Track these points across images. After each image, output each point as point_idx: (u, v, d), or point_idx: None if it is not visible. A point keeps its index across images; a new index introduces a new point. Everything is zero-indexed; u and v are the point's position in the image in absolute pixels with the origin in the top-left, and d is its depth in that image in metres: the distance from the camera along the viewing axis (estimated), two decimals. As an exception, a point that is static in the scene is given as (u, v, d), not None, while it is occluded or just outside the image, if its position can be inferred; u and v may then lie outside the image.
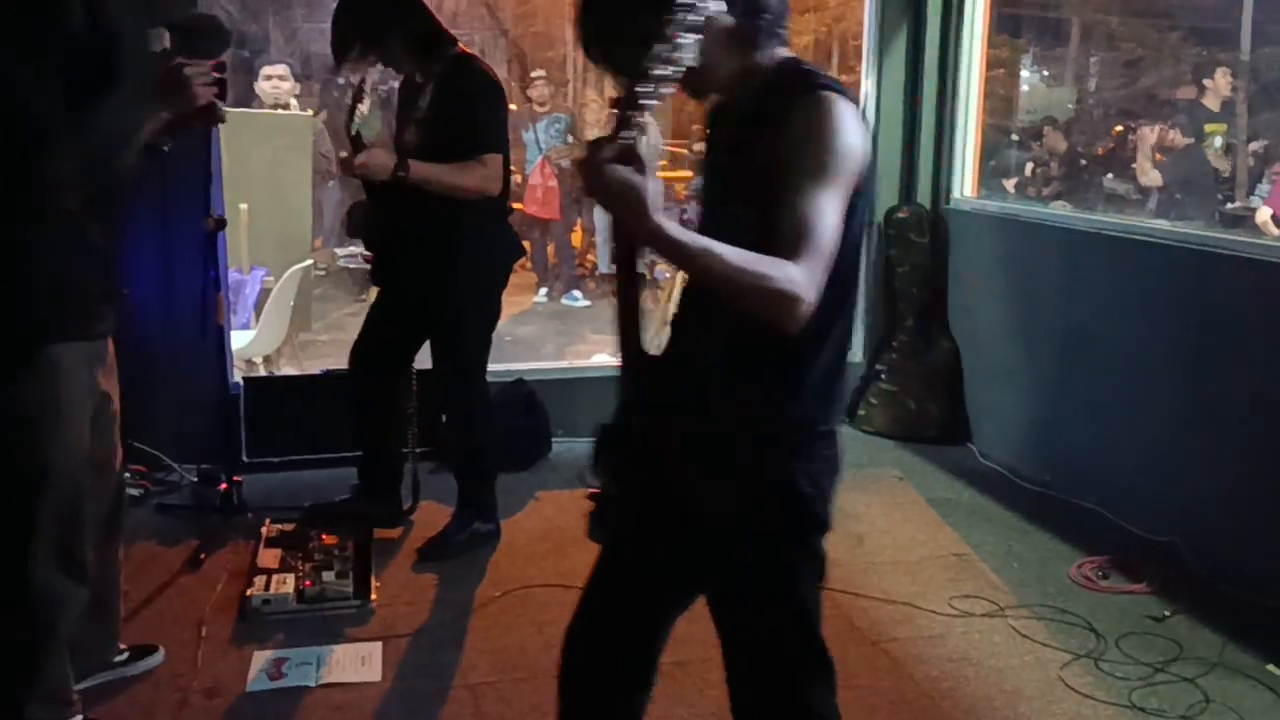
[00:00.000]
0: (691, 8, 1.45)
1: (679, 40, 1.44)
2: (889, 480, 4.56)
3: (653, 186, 1.43)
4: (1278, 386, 3.41)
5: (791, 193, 1.56)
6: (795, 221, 1.54)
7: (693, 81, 1.62)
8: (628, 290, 1.65)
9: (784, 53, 1.73)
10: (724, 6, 1.60)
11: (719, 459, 1.73)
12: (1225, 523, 3.58)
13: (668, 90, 1.45)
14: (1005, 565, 3.76)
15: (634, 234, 1.53)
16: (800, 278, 1.51)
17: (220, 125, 2.64)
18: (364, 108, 3.73)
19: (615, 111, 1.48)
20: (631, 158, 1.44)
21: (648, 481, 1.77)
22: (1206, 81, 7.79)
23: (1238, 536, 3.53)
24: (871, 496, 4.38)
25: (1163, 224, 5.04)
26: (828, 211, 1.56)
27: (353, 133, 3.47)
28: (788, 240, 1.53)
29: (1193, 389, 3.73)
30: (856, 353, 5.34)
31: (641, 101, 1.44)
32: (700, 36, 1.47)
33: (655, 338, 1.76)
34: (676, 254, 1.49)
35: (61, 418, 2.37)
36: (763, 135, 1.64)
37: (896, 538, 3.98)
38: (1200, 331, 3.71)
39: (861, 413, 5.18)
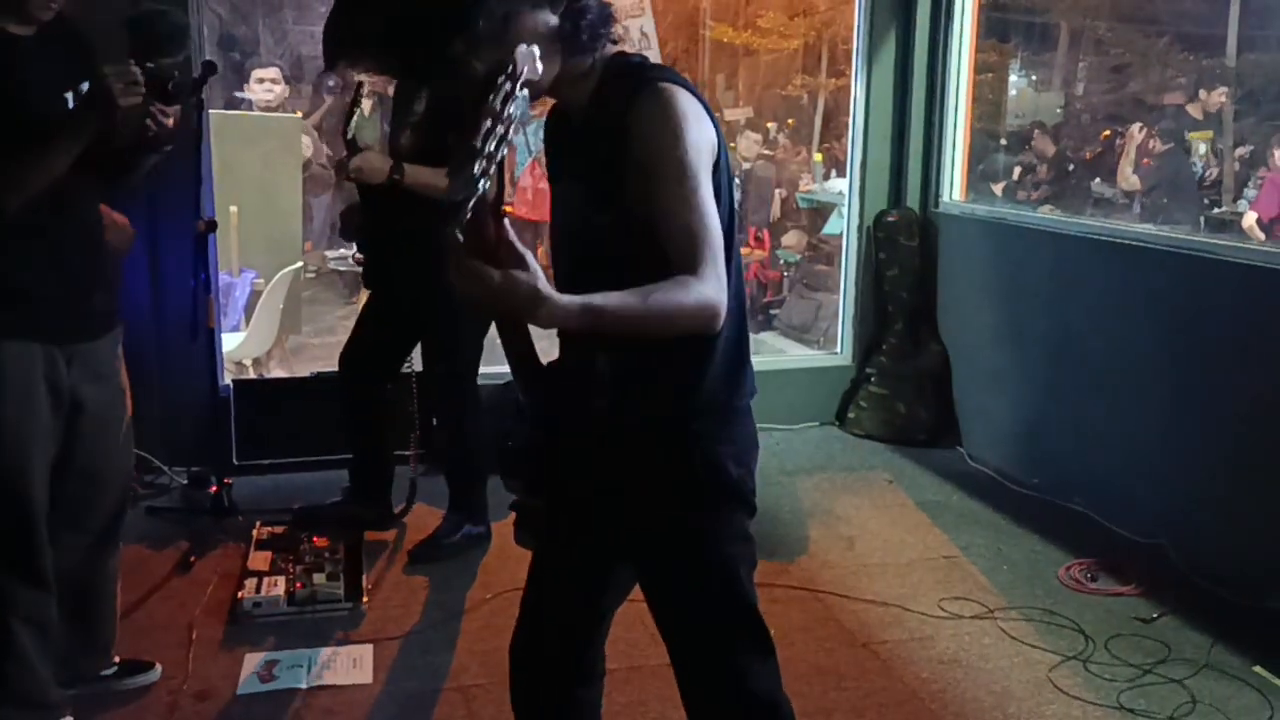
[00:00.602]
0: (501, 85, 1.38)
1: (490, 126, 1.37)
2: (879, 483, 4.57)
3: (530, 271, 1.38)
4: (1264, 388, 3.44)
5: (663, 203, 1.57)
6: (680, 232, 1.55)
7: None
8: (509, 329, 1.66)
9: (611, 49, 1.71)
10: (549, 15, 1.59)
11: (643, 449, 1.75)
12: (1213, 525, 3.61)
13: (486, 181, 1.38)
14: (994, 567, 3.78)
15: (534, 323, 1.48)
16: (707, 289, 1.52)
17: (167, 145, 2.49)
18: (365, 109, 3.75)
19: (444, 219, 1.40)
20: (498, 250, 1.38)
21: (563, 487, 1.80)
22: (1202, 93, 7.85)
23: (1225, 538, 3.56)
24: (861, 499, 4.39)
25: (1149, 228, 5.07)
26: (705, 208, 1.57)
27: (349, 136, 3.47)
28: (680, 253, 1.54)
29: (1180, 392, 3.76)
30: (847, 356, 5.36)
31: (467, 204, 1.37)
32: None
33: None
34: (579, 324, 1.47)
35: (1, 414, 2.35)
36: (605, 139, 1.64)
37: (886, 540, 4.00)
38: (1187, 334, 3.74)
39: (851, 416, 5.20)
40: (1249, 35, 10.57)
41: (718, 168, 1.65)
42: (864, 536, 4.02)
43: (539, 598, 1.94)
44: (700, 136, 1.61)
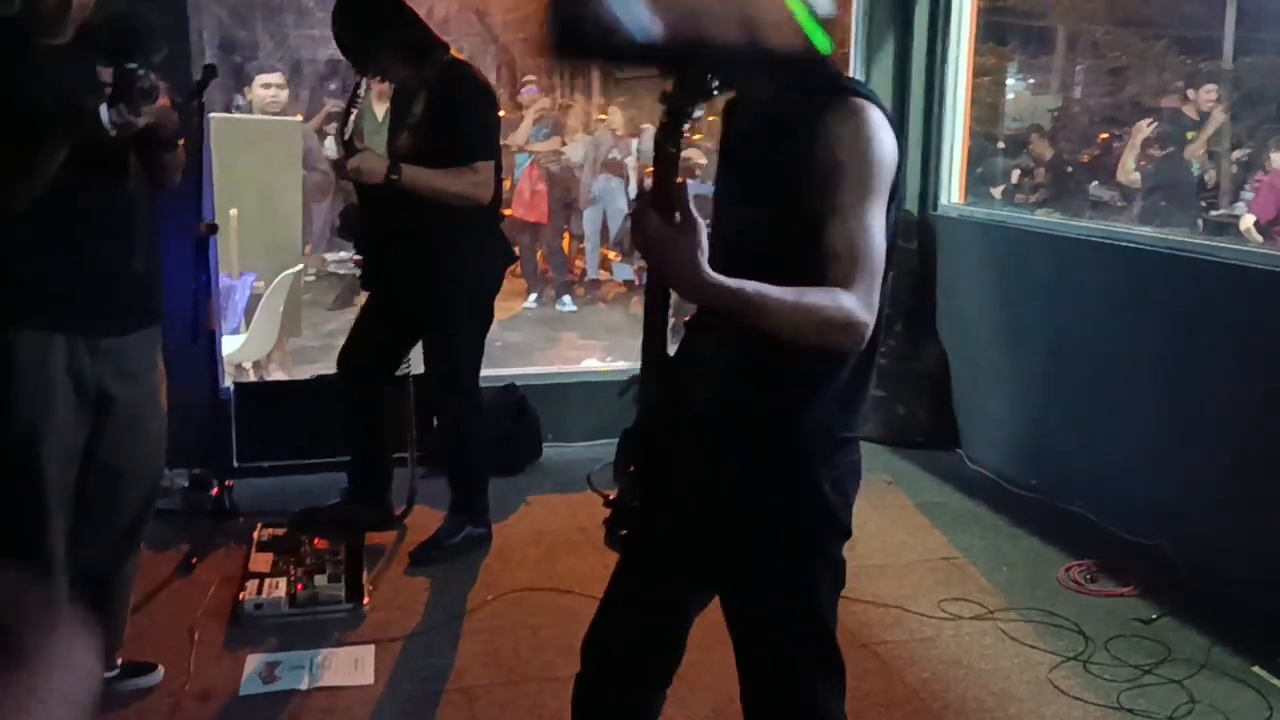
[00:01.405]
0: None
1: None
2: (878, 484, 4.58)
3: (696, 239, 1.42)
4: (1262, 390, 3.45)
5: (838, 213, 1.55)
6: (845, 244, 1.54)
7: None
8: (657, 297, 1.64)
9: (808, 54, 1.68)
10: None
11: (744, 459, 1.73)
12: (1212, 526, 3.61)
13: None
14: (994, 568, 3.79)
15: (682, 292, 1.50)
16: (855, 305, 1.51)
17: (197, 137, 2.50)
18: (378, 114, 3.76)
19: (663, 119, 1.45)
20: (673, 204, 1.42)
21: (668, 485, 1.78)
22: (1190, 93, 7.86)
23: (1224, 540, 3.56)
24: (861, 500, 4.27)
25: (1147, 230, 5.08)
26: (874, 229, 1.56)
27: (346, 136, 3.49)
28: (839, 264, 1.53)
29: (1178, 393, 3.77)
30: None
31: (691, 110, 1.42)
32: None
33: (672, 339, 1.77)
34: (724, 304, 1.48)
35: (12, 404, 2.37)
36: (789, 138, 1.62)
37: (886, 541, 4.01)
38: (1186, 336, 3.75)
39: (850, 418, 5.20)
40: (1245, 38, 10.61)
41: (895, 192, 1.63)
42: (864, 538, 4.00)
43: (624, 600, 1.89)
44: (886, 160, 1.60)
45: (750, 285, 1.48)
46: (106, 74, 2.32)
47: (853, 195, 1.56)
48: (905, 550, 3.94)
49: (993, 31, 9.88)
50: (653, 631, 1.90)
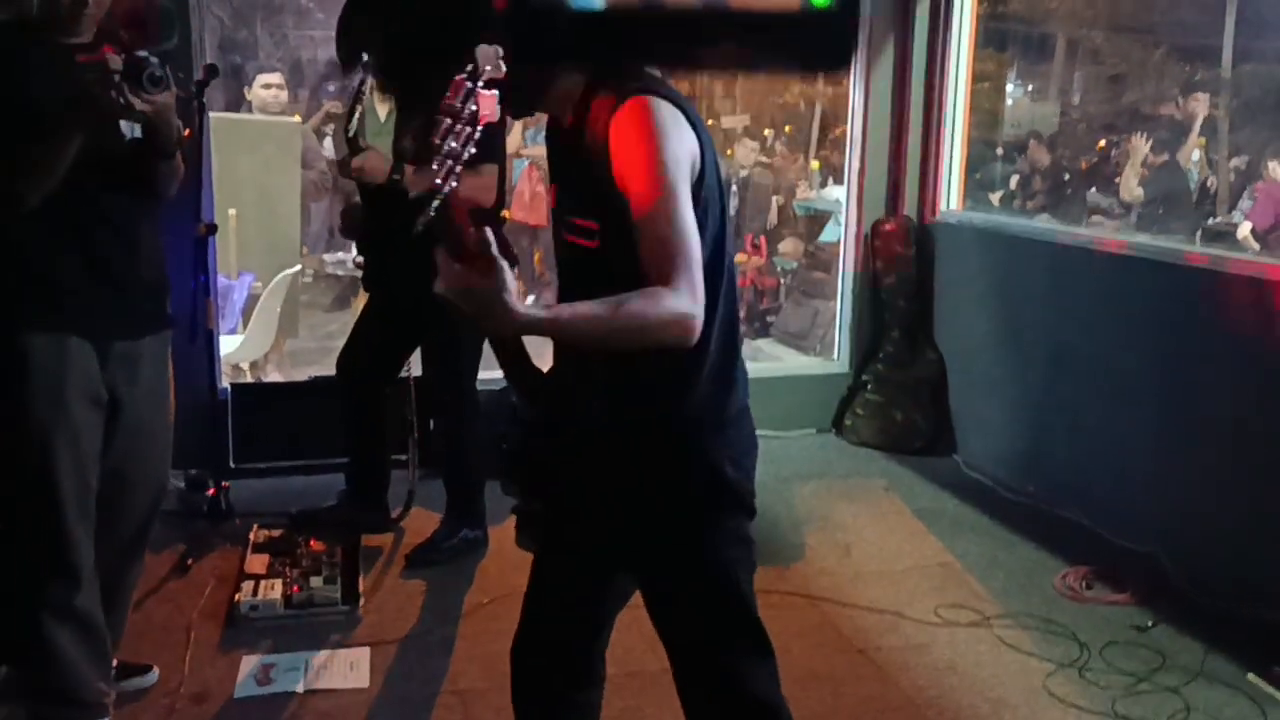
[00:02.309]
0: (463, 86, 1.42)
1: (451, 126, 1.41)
2: (875, 490, 4.58)
3: (498, 280, 1.41)
4: (1258, 398, 3.45)
5: (639, 215, 1.57)
6: (655, 244, 1.55)
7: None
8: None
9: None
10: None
11: (638, 455, 1.76)
12: (1207, 534, 3.62)
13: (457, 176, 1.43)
14: (990, 575, 3.79)
15: (502, 332, 1.53)
16: (680, 301, 1.52)
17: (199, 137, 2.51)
18: (381, 114, 3.76)
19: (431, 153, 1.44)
20: (466, 250, 1.42)
21: (561, 492, 1.83)
22: (1180, 100, 7.88)
23: (1219, 548, 3.57)
24: (858, 506, 4.40)
25: (1146, 238, 5.09)
26: (679, 221, 1.57)
27: (350, 134, 3.49)
28: (655, 265, 1.55)
29: (1175, 401, 3.77)
30: (844, 363, 5.37)
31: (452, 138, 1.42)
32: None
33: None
34: (545, 334, 1.50)
35: (26, 407, 2.37)
36: (589, 151, 1.65)
37: (882, 547, 4.01)
38: (1182, 344, 3.75)
39: (848, 423, 5.21)
40: (1245, 46, 10.62)
41: (702, 176, 1.65)
42: (860, 543, 4.03)
43: (540, 601, 1.94)
44: (679, 146, 1.61)
45: (565, 311, 1.50)
46: (116, 60, 2.33)
47: (651, 196, 1.57)
48: (901, 556, 3.94)
49: (991, 37, 9.88)
50: (574, 626, 1.94)
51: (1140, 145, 7.88)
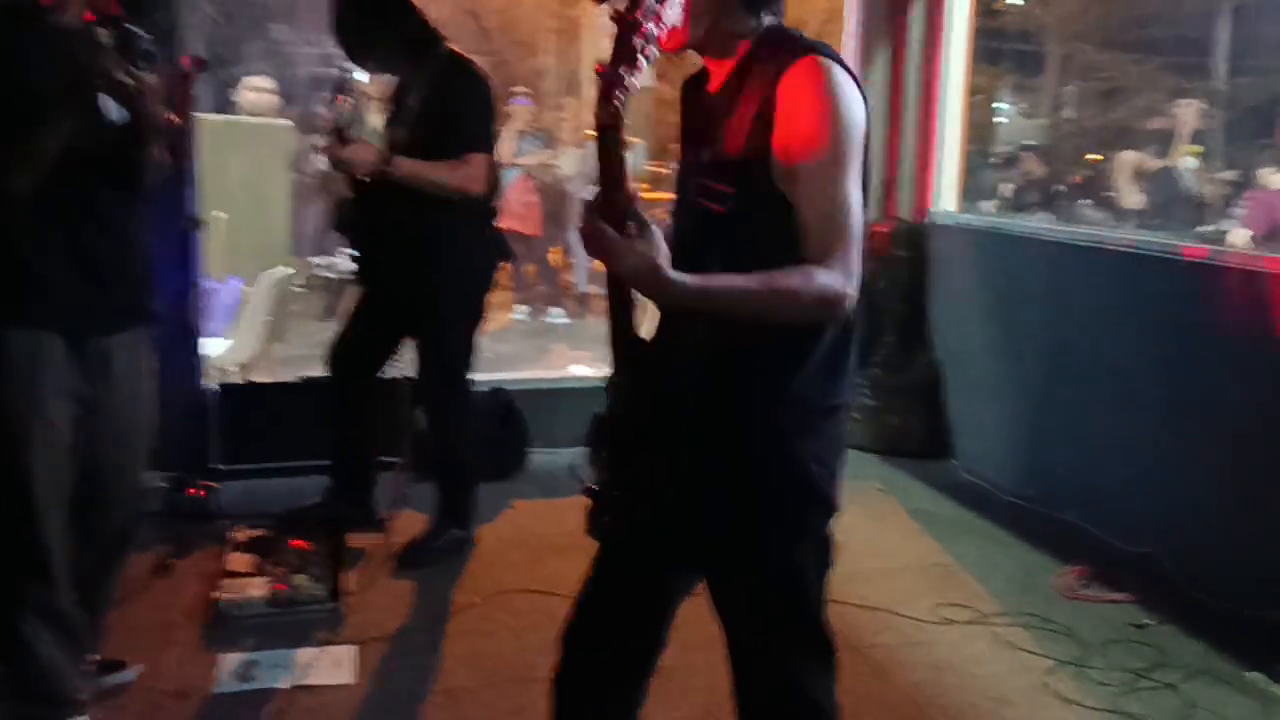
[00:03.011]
0: None
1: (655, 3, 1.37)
2: (871, 492, 4.53)
3: (654, 245, 1.39)
4: (1257, 395, 3.41)
5: (806, 185, 1.51)
6: (818, 218, 1.50)
7: (676, 35, 1.54)
8: (618, 285, 1.59)
9: (769, 20, 1.65)
10: None
11: (722, 437, 1.67)
12: (1205, 533, 3.56)
13: (659, 36, 1.39)
14: (988, 575, 3.74)
15: (649, 298, 1.49)
16: (833, 279, 1.48)
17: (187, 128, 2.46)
18: (374, 121, 3.73)
19: (596, 104, 1.41)
20: (624, 213, 1.40)
21: (646, 467, 1.72)
22: (1174, 111, 7.89)
23: (1217, 547, 3.51)
24: (854, 507, 4.26)
25: (1145, 235, 5.06)
26: (849, 195, 1.52)
27: (337, 124, 3.45)
28: (814, 237, 1.50)
29: (1174, 400, 3.72)
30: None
31: (634, 51, 1.37)
32: None
33: (645, 322, 1.72)
34: (696, 304, 1.46)
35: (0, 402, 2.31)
36: (749, 106, 1.57)
37: (879, 547, 3.95)
38: (1181, 342, 3.71)
39: (842, 426, 5.15)
40: (1237, 60, 10.67)
41: (866, 154, 1.58)
42: (855, 543, 3.93)
43: (601, 589, 1.83)
44: (855, 118, 1.54)
45: (717, 281, 1.45)
46: (104, 34, 2.28)
47: (824, 166, 1.51)
48: (898, 555, 3.89)
49: (984, 53, 9.92)
50: (636, 618, 1.83)
51: (1129, 159, 7.92)
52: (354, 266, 3.80)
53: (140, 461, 2.67)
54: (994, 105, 11.24)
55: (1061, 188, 9.75)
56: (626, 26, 1.38)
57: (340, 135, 3.44)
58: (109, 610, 2.76)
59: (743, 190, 1.58)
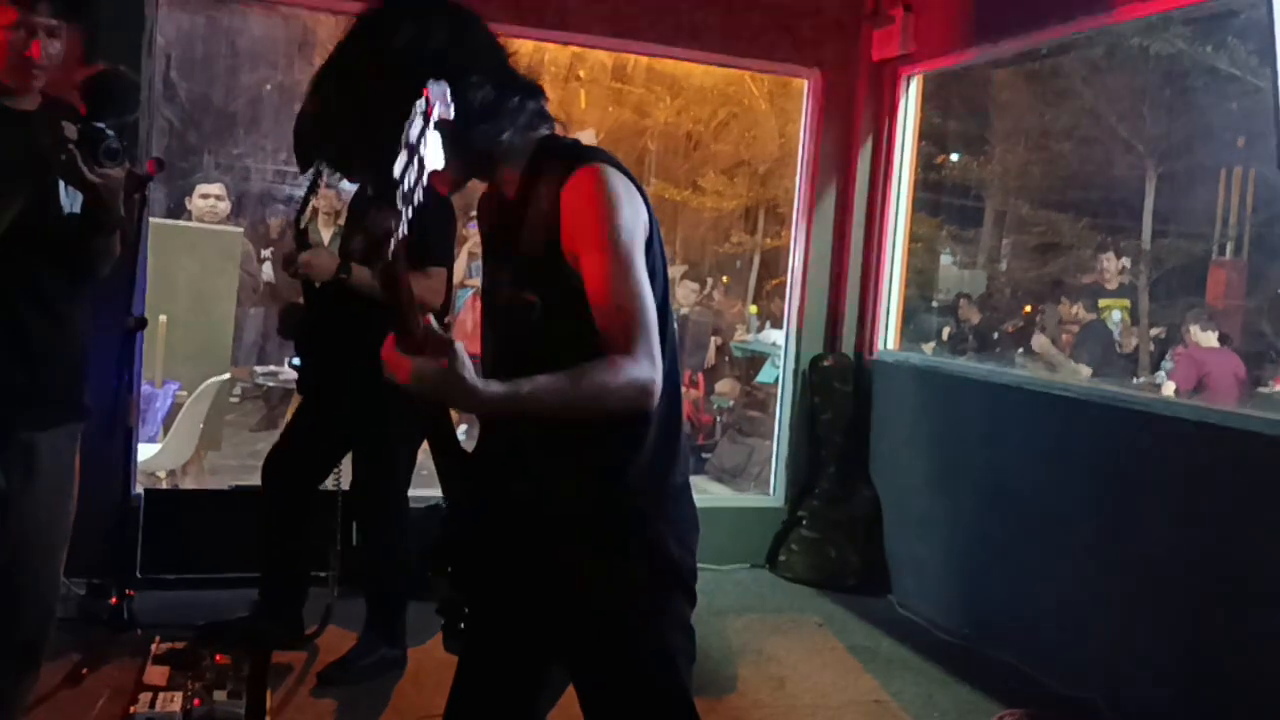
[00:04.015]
0: (414, 120, 1.38)
1: (407, 161, 1.38)
2: (809, 626, 4.48)
3: (457, 359, 1.40)
4: (1191, 542, 3.46)
5: (596, 283, 1.57)
6: (613, 312, 1.55)
7: (438, 178, 1.53)
8: (431, 412, 1.63)
9: (542, 133, 1.71)
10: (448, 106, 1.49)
11: (580, 529, 1.69)
12: (1144, 680, 3.56)
13: (411, 216, 1.40)
14: (925, 714, 3.68)
15: (461, 410, 1.53)
16: (640, 368, 1.52)
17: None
18: (324, 234, 3.72)
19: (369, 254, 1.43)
20: (420, 338, 1.41)
21: (501, 573, 1.73)
22: (1101, 262, 8.21)
23: (1157, 694, 3.51)
24: (793, 642, 4.29)
25: (1080, 379, 5.19)
26: (637, 288, 1.57)
27: (300, 227, 3.44)
28: (613, 333, 1.54)
29: (1110, 543, 3.77)
30: (779, 498, 5.32)
31: (394, 235, 1.39)
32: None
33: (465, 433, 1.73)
34: (507, 408, 1.47)
35: None
36: (536, 218, 1.64)
37: (817, 683, 3.89)
38: (1117, 486, 3.77)
39: (782, 558, 5.13)
40: (1161, 223, 11.17)
41: (650, 245, 1.64)
42: (794, 678, 3.90)
43: (468, 701, 1.82)
44: (633, 215, 1.61)
45: (525, 385, 1.47)
46: (72, 130, 2.27)
47: (608, 264, 1.57)
48: (836, 693, 3.82)
49: (927, 204, 10.28)
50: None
51: (1059, 312, 8.21)
52: (296, 375, 3.75)
53: (56, 565, 2.54)
54: (934, 254, 11.61)
55: (995, 335, 10.02)
56: (387, 189, 1.39)
57: (301, 240, 3.43)
58: None
59: (546, 287, 1.64)
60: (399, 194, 1.35)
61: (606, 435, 1.63)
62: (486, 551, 1.72)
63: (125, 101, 2.37)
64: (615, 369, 1.51)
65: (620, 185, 1.62)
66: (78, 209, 2.36)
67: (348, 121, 1.58)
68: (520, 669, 1.80)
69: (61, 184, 2.32)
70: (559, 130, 1.74)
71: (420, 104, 1.37)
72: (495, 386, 1.44)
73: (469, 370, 1.40)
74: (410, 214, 1.38)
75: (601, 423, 1.56)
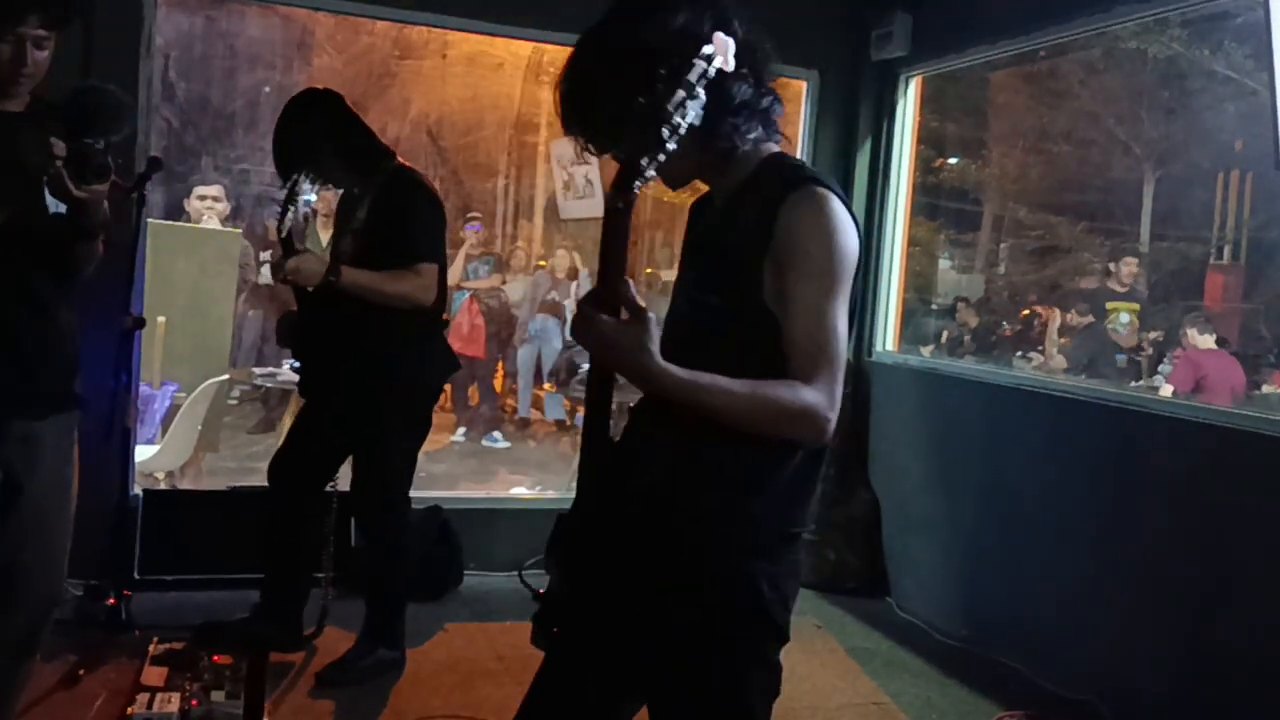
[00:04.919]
0: (697, 62, 1.41)
1: (685, 98, 1.40)
2: (808, 628, 4.47)
3: (646, 328, 1.40)
4: (1191, 543, 3.45)
5: (799, 304, 1.53)
6: (806, 338, 1.52)
7: (667, 168, 1.53)
8: (600, 381, 1.56)
9: (772, 148, 1.70)
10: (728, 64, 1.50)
11: (678, 555, 1.64)
12: (1143, 681, 3.56)
13: (665, 157, 1.41)
14: (924, 716, 3.68)
15: (635, 384, 1.49)
16: (818, 398, 1.50)
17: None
18: (322, 237, 3.71)
19: (613, 187, 1.43)
20: (619, 301, 1.41)
21: (602, 578, 1.67)
22: (1112, 266, 8.21)
23: (1156, 696, 3.51)
24: (791, 643, 4.24)
25: (1080, 380, 5.18)
26: (837, 321, 1.54)
27: (282, 234, 3.43)
28: (800, 356, 1.52)
29: (1109, 545, 3.76)
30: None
31: (643, 172, 1.40)
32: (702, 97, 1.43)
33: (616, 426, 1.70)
34: (677, 394, 1.45)
35: None
36: (749, 225, 1.60)
37: (816, 685, 3.88)
38: (1116, 486, 3.77)
39: (780, 561, 5.12)
40: (1160, 226, 11.19)
41: (855, 285, 1.61)
42: (793, 680, 3.84)
43: (546, 702, 1.75)
44: (849, 248, 1.58)
45: (704, 377, 1.45)
46: (60, 147, 2.27)
47: (815, 286, 1.54)
48: (835, 694, 3.82)
49: (925, 208, 10.30)
50: None
51: (1055, 316, 8.21)
52: (296, 378, 3.74)
53: (58, 553, 2.55)
54: (932, 257, 11.61)
55: (994, 338, 10.03)
56: (658, 114, 1.39)
57: (287, 246, 3.42)
58: (11, 717, 2.60)
59: (732, 303, 1.60)
60: (664, 127, 1.35)
61: (742, 460, 1.59)
62: (602, 550, 1.65)
63: (116, 121, 2.37)
64: (797, 393, 1.49)
65: (843, 214, 1.58)
66: (63, 209, 2.36)
67: (615, 98, 1.50)
68: (599, 679, 1.73)
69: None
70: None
71: (708, 48, 1.38)
72: (678, 369, 1.43)
73: (656, 343, 1.39)
74: (665, 152, 1.39)
75: (744, 446, 1.53)
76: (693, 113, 1.41)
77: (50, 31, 2.31)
